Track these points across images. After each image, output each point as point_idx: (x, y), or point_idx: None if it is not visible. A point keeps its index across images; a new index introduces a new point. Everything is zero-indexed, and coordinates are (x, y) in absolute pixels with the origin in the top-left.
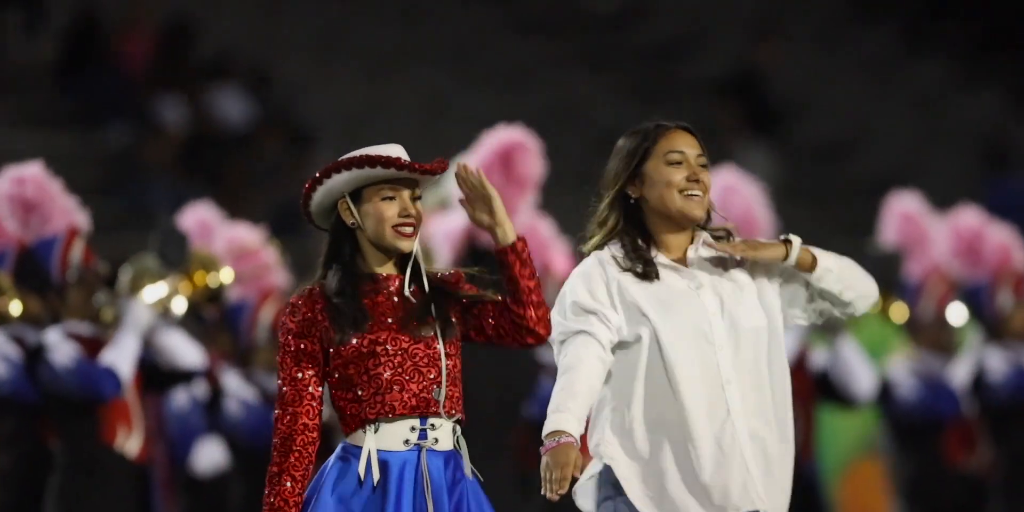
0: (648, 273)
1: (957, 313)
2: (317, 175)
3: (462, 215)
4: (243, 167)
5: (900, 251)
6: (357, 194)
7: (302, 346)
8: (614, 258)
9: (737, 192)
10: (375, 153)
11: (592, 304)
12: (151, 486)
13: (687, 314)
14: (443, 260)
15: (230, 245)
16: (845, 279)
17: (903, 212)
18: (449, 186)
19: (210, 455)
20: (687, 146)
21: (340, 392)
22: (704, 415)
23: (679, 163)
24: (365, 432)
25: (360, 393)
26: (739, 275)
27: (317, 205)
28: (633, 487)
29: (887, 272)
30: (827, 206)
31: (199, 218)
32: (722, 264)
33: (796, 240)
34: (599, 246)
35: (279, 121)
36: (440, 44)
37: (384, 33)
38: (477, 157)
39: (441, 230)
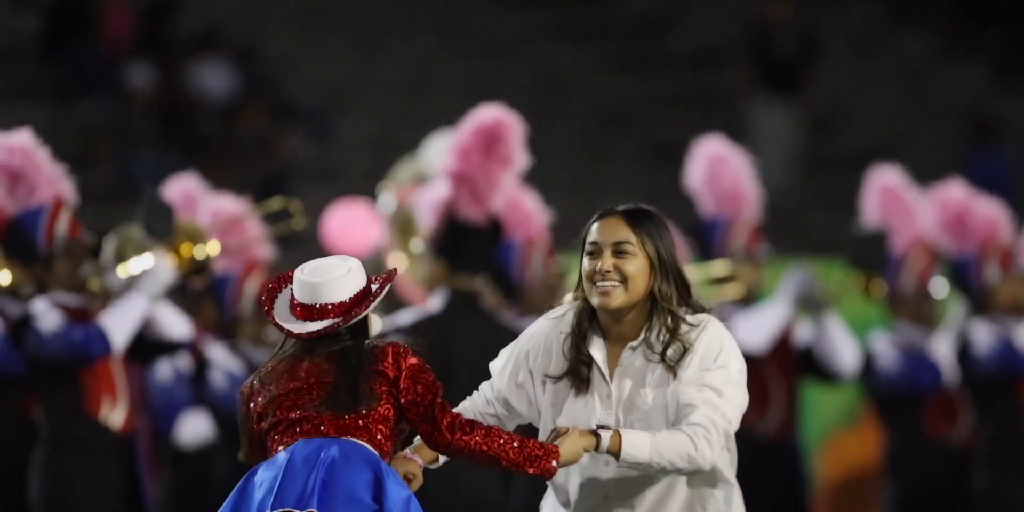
0: (572, 373)
1: (939, 286)
2: None
3: (444, 186)
4: (227, 139)
5: (884, 230)
6: None
7: None
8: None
9: (726, 163)
10: None
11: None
12: (135, 458)
13: (574, 413)
14: (426, 230)
15: (215, 217)
16: (657, 456)
17: (885, 186)
18: (426, 159)
19: (194, 427)
20: (603, 234)
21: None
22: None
23: (592, 254)
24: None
25: None
26: (664, 377)
27: None
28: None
29: (872, 251)
30: (812, 179)
31: (183, 189)
32: (650, 366)
33: (605, 434)
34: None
35: (264, 93)
36: (426, 17)
37: (370, 5)
38: (459, 136)
39: (424, 200)
